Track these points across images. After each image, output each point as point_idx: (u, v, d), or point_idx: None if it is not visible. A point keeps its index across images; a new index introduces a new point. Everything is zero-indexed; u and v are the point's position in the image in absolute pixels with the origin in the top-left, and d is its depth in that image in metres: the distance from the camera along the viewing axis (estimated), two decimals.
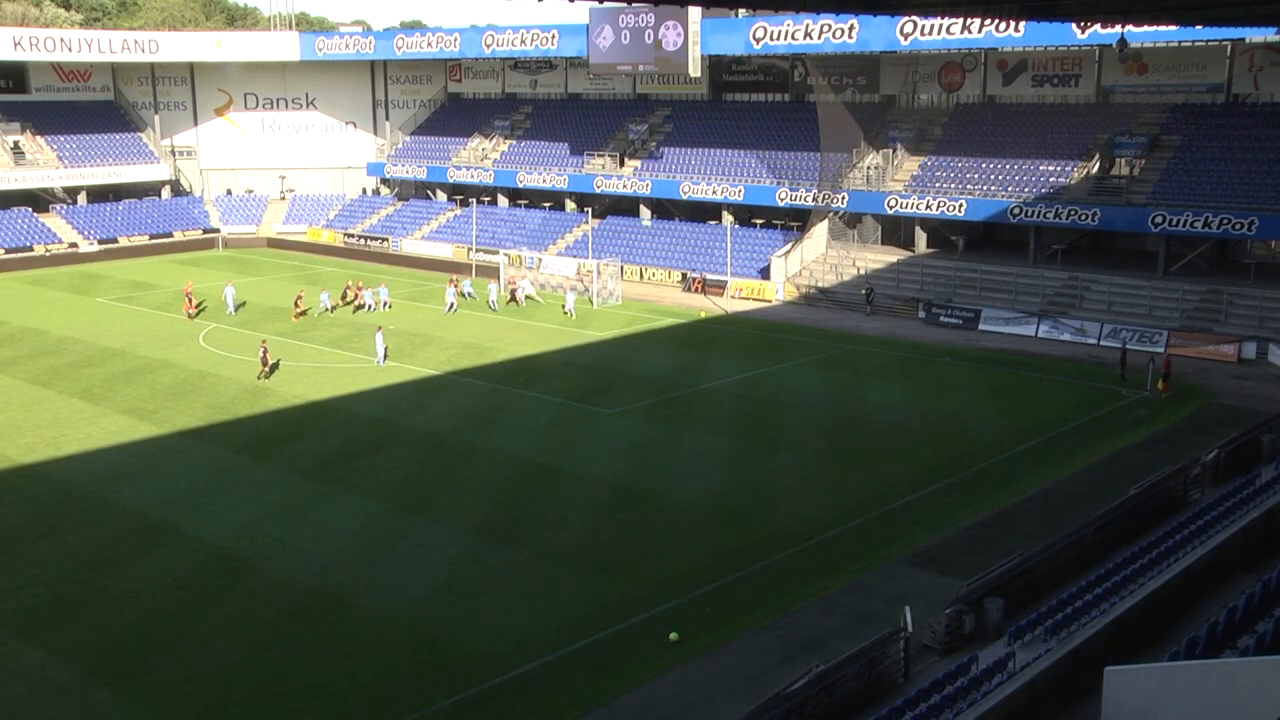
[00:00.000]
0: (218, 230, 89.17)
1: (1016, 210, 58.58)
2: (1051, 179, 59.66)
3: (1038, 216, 57.95)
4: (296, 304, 59.57)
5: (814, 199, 66.28)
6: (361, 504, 32.63)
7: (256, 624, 25.56)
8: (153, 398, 43.82)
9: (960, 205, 60.69)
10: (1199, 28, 49.56)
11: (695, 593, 26.85)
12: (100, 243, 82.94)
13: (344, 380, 46.40)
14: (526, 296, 62.18)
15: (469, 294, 64.22)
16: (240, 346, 52.54)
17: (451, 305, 60.56)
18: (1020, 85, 65.51)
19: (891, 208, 63.27)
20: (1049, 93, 64.44)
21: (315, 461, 36.25)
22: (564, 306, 60.14)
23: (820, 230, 66.44)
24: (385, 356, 48.00)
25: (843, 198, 65.10)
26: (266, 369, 46.93)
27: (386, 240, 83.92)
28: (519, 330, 56.31)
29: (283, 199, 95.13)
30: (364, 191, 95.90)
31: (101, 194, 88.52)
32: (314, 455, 36.88)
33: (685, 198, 73.22)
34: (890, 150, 66.86)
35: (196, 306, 55.60)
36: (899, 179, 65.05)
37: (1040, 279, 57.34)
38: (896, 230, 66.60)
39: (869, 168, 66.34)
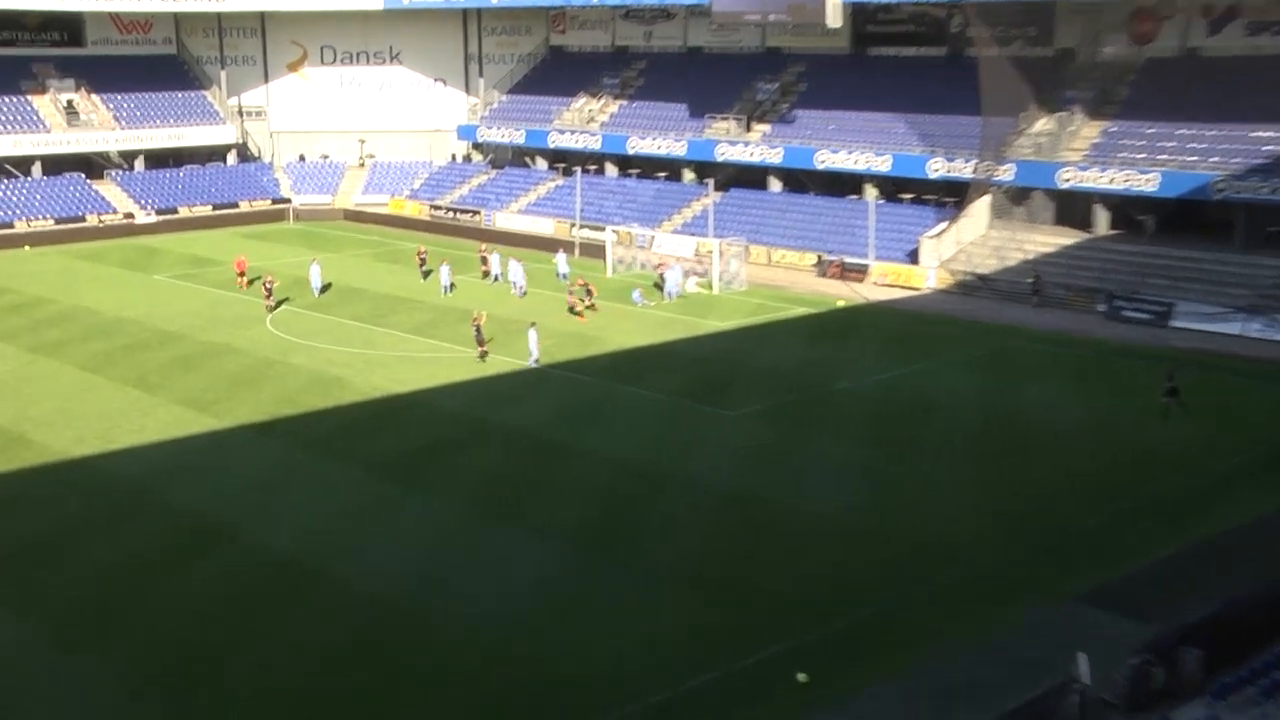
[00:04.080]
0: (288, 201, 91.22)
1: (1221, 185, 56.80)
2: (1266, 147, 57.73)
3: (1249, 193, 56.10)
4: (421, 260, 64.74)
5: (973, 171, 65.32)
6: (442, 508, 33.09)
7: (323, 644, 26.02)
8: (213, 387, 44.99)
9: (1151, 179, 59.14)
10: None
11: (823, 624, 26.67)
12: (158, 213, 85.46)
13: (427, 371, 47.04)
14: (663, 283, 61.57)
15: (497, 276, 64.78)
16: (313, 331, 53.58)
17: (450, 288, 61.73)
18: (1230, 35, 63.32)
19: (1066, 181, 62.09)
20: (1267, 43, 62.22)
21: (392, 460, 36.89)
22: (665, 290, 60.59)
23: (980, 207, 65.45)
24: (536, 357, 47.81)
25: (1007, 169, 64.06)
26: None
27: (478, 213, 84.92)
28: (626, 318, 56.57)
29: (362, 166, 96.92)
30: (453, 158, 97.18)
31: (161, 159, 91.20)
32: (391, 453, 37.53)
33: (821, 168, 72.73)
34: (1066, 114, 65.51)
35: (268, 290, 56.95)
36: (1076, 148, 63.75)
37: (1250, 268, 55.34)
38: (1072, 208, 65.19)
39: (1039, 134, 65.15)
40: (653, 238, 69.97)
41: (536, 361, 47.54)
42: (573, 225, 77.93)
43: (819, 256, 67.97)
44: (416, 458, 37.19)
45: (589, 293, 56.20)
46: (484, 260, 66.71)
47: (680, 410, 42.08)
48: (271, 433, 39.79)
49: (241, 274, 64.82)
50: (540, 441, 38.73)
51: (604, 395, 44.09)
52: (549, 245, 73.33)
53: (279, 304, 57.98)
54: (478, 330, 48.51)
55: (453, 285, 62.15)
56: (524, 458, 37.31)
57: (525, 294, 60.72)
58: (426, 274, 64.60)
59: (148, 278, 67.68)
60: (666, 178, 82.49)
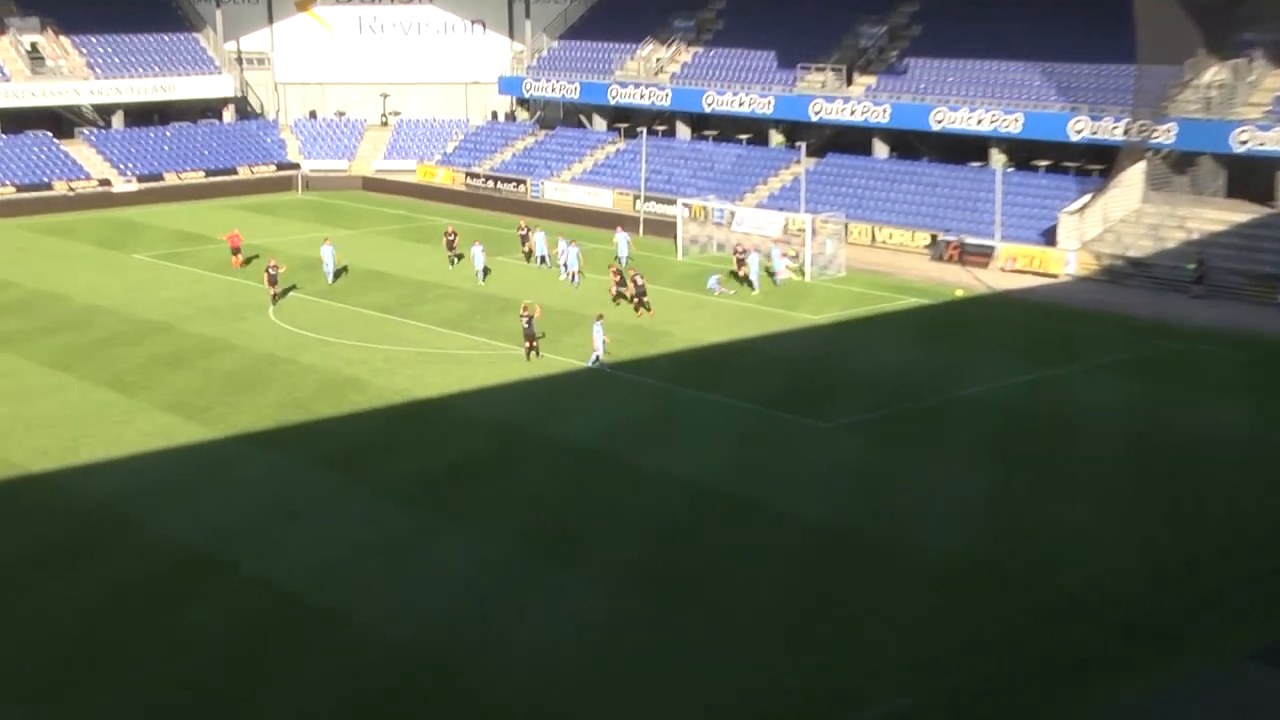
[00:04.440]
0: (297, 166, 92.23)
1: None
2: None
3: None
4: (449, 243, 65.32)
5: (1124, 132, 64.82)
6: (481, 541, 33.24)
7: (337, 702, 26.22)
8: (206, 390, 45.52)
9: None
10: None
11: (934, 685, 26.52)
12: (140, 180, 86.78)
13: (462, 372, 47.46)
14: (763, 269, 61.52)
15: (543, 258, 65.37)
16: (325, 323, 54.22)
17: (483, 272, 62.27)
18: None
19: (1243, 144, 61.46)
20: None
21: (420, 482, 37.17)
22: (746, 275, 60.68)
23: (1133, 176, 64.94)
24: (602, 358, 47.98)
25: (1168, 130, 63.60)
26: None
27: (524, 182, 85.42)
28: (700, 310, 56.73)
29: (384, 125, 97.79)
30: (494, 116, 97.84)
31: (143, 115, 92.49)
32: (419, 473, 37.81)
33: (938, 129, 72.49)
34: (1242, 61, 64.80)
35: (271, 277, 57.03)
36: (1255, 103, 63.03)
37: None
38: (1248, 177, 64.54)
39: (1209, 87, 64.46)
40: (732, 213, 70.06)
41: (599, 360, 47.80)
42: (636, 198, 78.18)
43: (934, 236, 67.76)
44: (448, 478, 37.46)
45: (638, 287, 55.58)
46: (524, 239, 67.36)
47: (764, 422, 42.16)
48: (275, 446, 40.21)
49: (236, 251, 65.65)
50: (596, 460, 38.94)
51: (672, 403, 44.28)
52: (607, 222, 73.53)
53: (285, 292, 58.60)
54: (529, 324, 48.79)
55: (487, 270, 62.69)
56: (576, 480, 37.52)
57: (579, 281, 61.18)
58: (456, 258, 65.13)
59: (126, 257, 68.70)
60: (749, 141, 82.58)
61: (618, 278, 56.86)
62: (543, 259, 65.28)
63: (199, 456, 39.40)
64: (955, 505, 35.47)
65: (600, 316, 49.31)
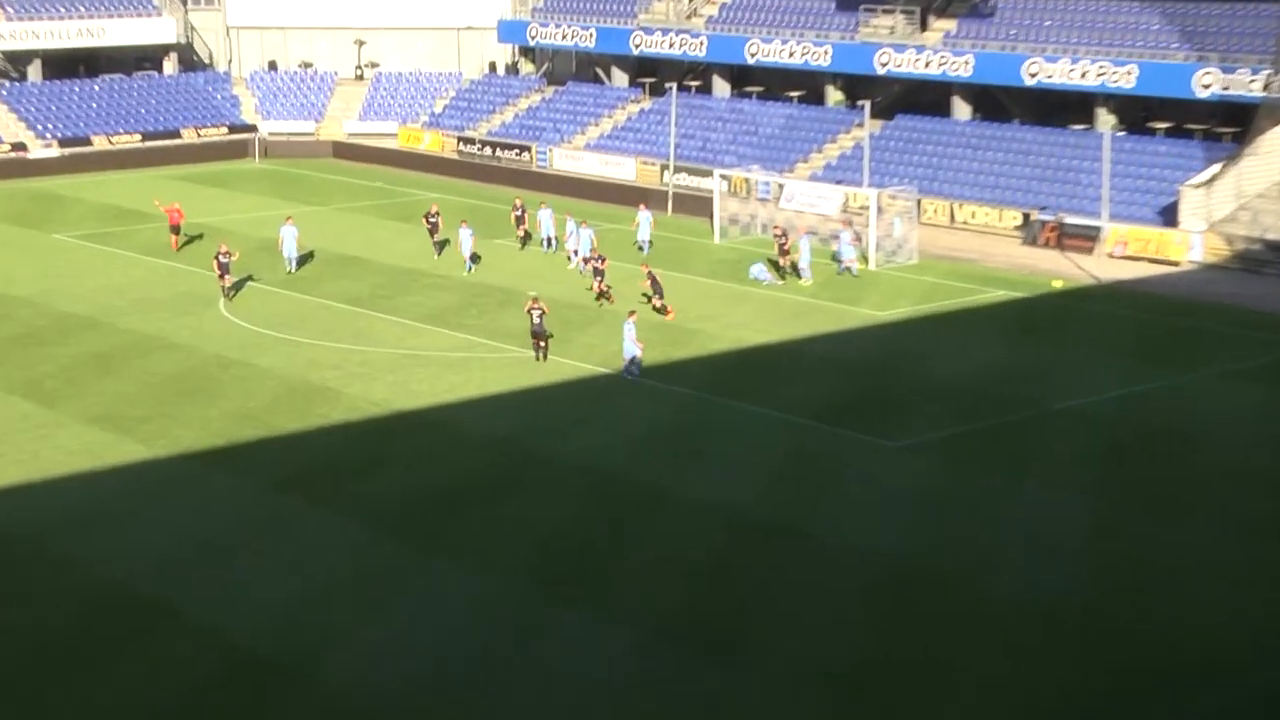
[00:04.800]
0: (253, 129, 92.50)
1: None
2: None
3: None
4: (432, 226, 64.89)
5: (1265, 87, 64.59)
6: (473, 582, 33.17)
7: None
8: (141, 398, 45.64)
9: None
10: None
11: None
12: (63, 144, 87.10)
13: (454, 377, 47.63)
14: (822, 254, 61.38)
15: (549, 240, 65.60)
16: (287, 318, 54.45)
17: (472, 259, 62.33)
18: None
19: None
20: None
21: (404, 509, 37.15)
22: (796, 267, 60.40)
23: (1273, 142, 64.73)
24: (637, 365, 47.71)
25: None
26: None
27: (528, 150, 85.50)
28: (741, 304, 56.85)
29: (360, 79, 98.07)
30: (492, 69, 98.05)
31: (66, 65, 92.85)
32: (400, 498, 37.82)
33: (1031, 84, 72.27)
34: None
35: (222, 266, 56.69)
36: None
37: None
38: None
39: None
40: (780, 187, 70.08)
41: (636, 369, 47.44)
42: (664, 168, 78.18)
43: (1026, 215, 67.61)
44: (436, 506, 37.38)
45: (655, 285, 55.09)
46: (519, 220, 67.15)
47: (817, 439, 42.18)
48: (225, 467, 40.26)
49: (175, 230, 65.81)
50: (615, 483, 38.91)
51: (706, 416, 44.32)
52: (628, 197, 73.55)
53: (240, 283, 58.67)
54: (539, 320, 48.85)
55: (476, 256, 62.69)
56: (592, 507, 37.47)
57: (598, 270, 60.69)
58: (441, 244, 64.92)
59: (45, 238, 69.14)
60: (801, 99, 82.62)
61: (650, 279, 55.32)
62: (549, 241, 65.31)
63: (133, 479, 39.47)
64: (1049, 541, 35.28)
65: (633, 314, 49.02)
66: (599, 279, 56.09)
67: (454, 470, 39.92)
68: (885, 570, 33.72)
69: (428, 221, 65.51)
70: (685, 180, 76.19)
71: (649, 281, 54.90)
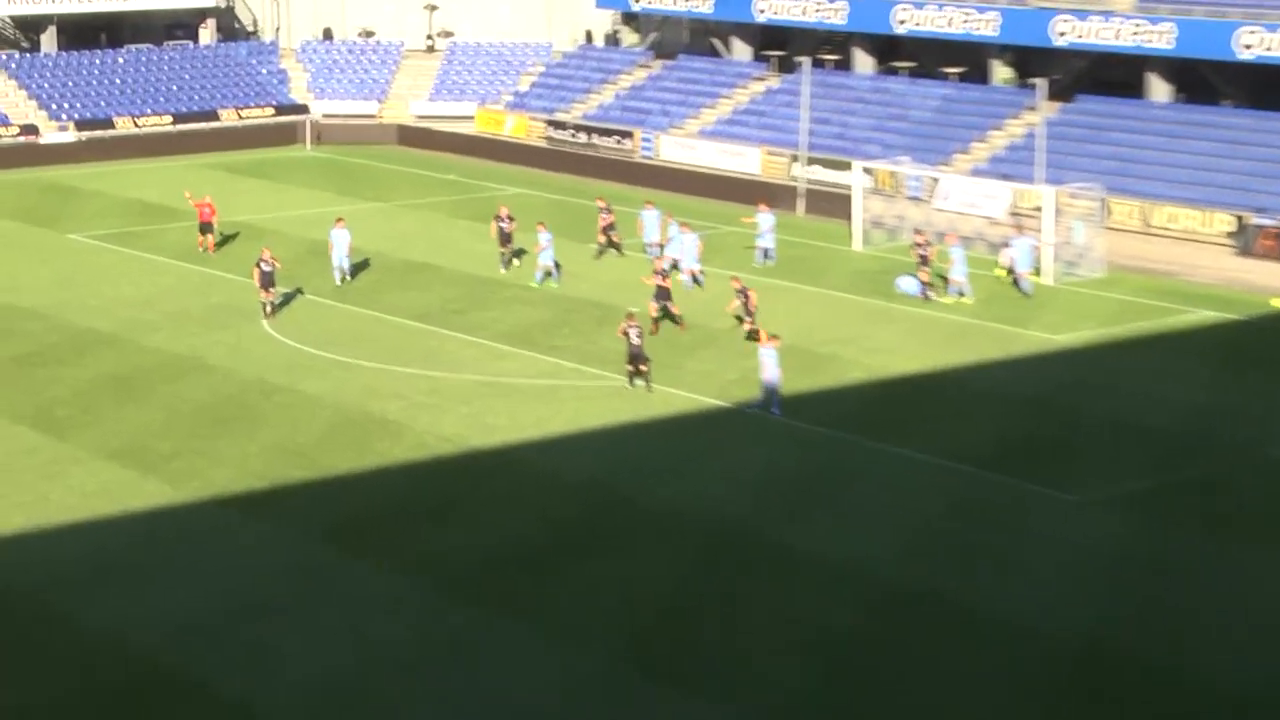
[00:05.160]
0: (305, 109, 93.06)
1: None
2: None
3: None
4: (502, 233, 63.70)
5: None
6: (559, 653, 33.22)
7: None
8: (169, 430, 45.93)
9: None
10: None
11: None
12: (80, 127, 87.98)
13: (539, 409, 47.72)
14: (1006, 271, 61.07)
15: (652, 247, 64.82)
16: (341, 336, 54.78)
17: (549, 271, 62.00)
18: None
19: None
20: None
21: (477, 566, 37.17)
22: (1012, 277, 60.50)
23: None
24: (777, 398, 47.50)
25: None
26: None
27: (630, 136, 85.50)
28: (886, 324, 56.74)
29: (431, 51, 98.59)
30: (587, 40, 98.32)
31: (85, 33, 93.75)
32: (475, 554, 37.80)
33: (1246, 58, 71.63)
34: None
35: (264, 275, 56.33)
36: None
37: None
38: None
39: None
40: (934, 183, 69.90)
41: (776, 405, 47.19)
42: (794, 160, 78.11)
43: (1239, 219, 67.03)
44: (516, 563, 37.39)
45: (747, 304, 54.60)
46: (607, 228, 66.42)
47: (979, 490, 41.91)
48: (266, 512, 40.43)
49: (206, 228, 66.33)
50: (731, 538, 38.75)
51: (844, 458, 44.17)
52: (751, 195, 73.39)
53: (285, 299, 58.70)
54: (637, 343, 48.82)
55: (557, 266, 62.42)
56: (702, 567, 37.34)
57: (699, 282, 61.02)
58: (510, 257, 64.26)
59: (58, 238, 69.89)
60: (961, 77, 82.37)
61: (742, 297, 54.60)
62: (653, 250, 64.84)
63: (157, 526, 39.70)
64: (1271, 620, 34.83)
65: (774, 338, 48.02)
66: (743, 307, 54.33)
67: (538, 520, 39.89)
68: (1064, 655, 33.32)
69: (497, 226, 64.74)
70: (819, 174, 76.04)
71: (740, 299, 54.23)
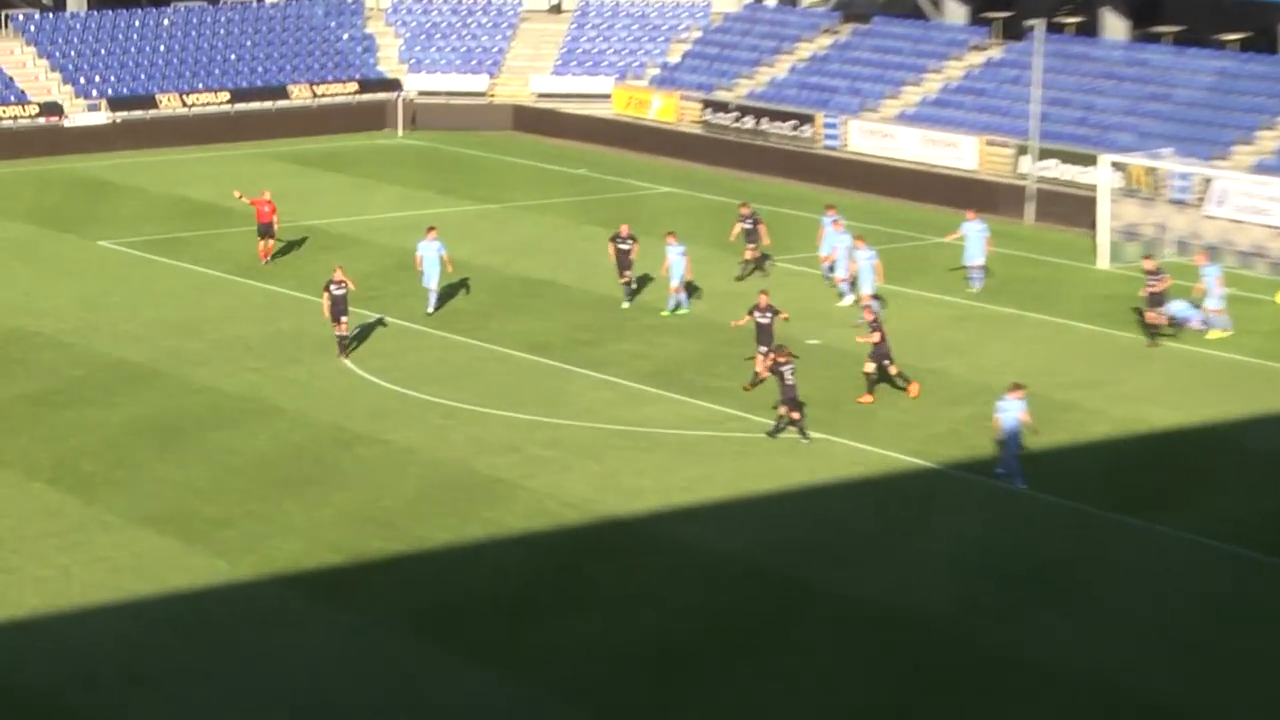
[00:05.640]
0: (395, 85, 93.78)
1: None
2: None
3: None
4: (621, 255, 63.07)
5: None
6: None
7: None
8: (221, 489, 46.31)
9: None
10: None
11: None
12: (114, 106, 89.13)
13: (690, 470, 47.85)
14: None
15: (829, 268, 64.72)
16: (436, 373, 55.35)
17: (679, 302, 62.21)
18: None
19: None
20: None
21: (605, 670, 37.15)
22: None
23: None
24: (1017, 465, 47.45)
25: None
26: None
27: (810, 121, 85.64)
28: (1144, 360, 56.79)
29: (556, 11, 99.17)
30: None
31: None
32: (604, 652, 37.80)
33: None
34: None
35: (335, 300, 56.38)
36: None
37: None
38: None
39: None
40: (1206, 183, 69.60)
41: (1017, 470, 46.89)
42: (1022, 152, 77.99)
43: None
44: (663, 667, 37.35)
45: (878, 339, 54.04)
46: (750, 233, 66.74)
47: (1268, 582, 41.58)
48: (341, 595, 40.61)
49: (265, 232, 67.14)
50: (937, 640, 38.59)
51: (1086, 537, 43.92)
52: (966, 196, 73.24)
53: (360, 336, 58.98)
54: (789, 383, 48.96)
55: (689, 290, 62.84)
56: (894, 677, 37.17)
57: (881, 311, 60.18)
58: (634, 289, 64.16)
59: (86, 247, 70.90)
60: (1244, 45, 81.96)
61: (875, 334, 53.75)
62: (830, 269, 65.01)
63: (205, 613, 39.82)
64: None
65: (1019, 387, 47.44)
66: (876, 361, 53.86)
67: (690, 612, 39.73)
68: None
69: (616, 249, 64.13)
70: (1055, 170, 75.89)
71: (873, 334, 53.42)
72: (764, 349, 53.61)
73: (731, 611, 39.90)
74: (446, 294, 63.02)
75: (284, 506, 45.29)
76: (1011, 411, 46.39)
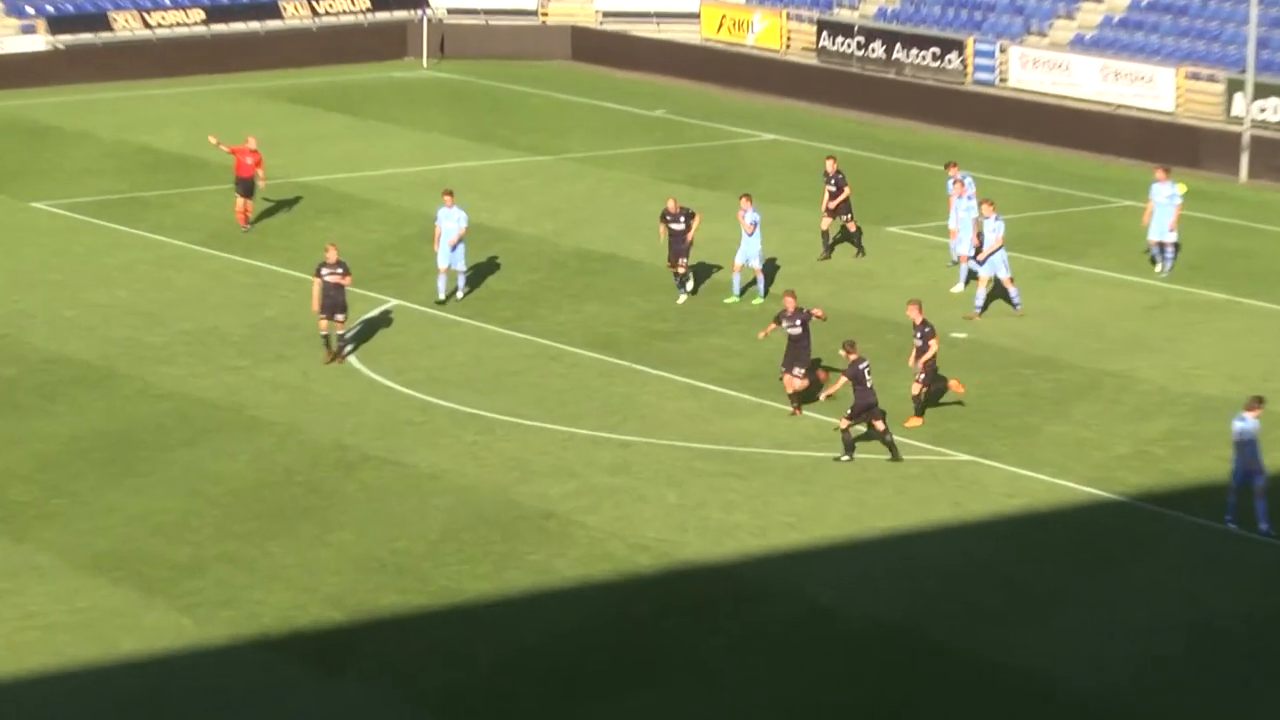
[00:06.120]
0: (419, 2, 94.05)
1: None
2: None
3: None
4: (677, 239, 62.80)
5: None
6: None
7: None
8: (190, 524, 46.20)
9: None
10: None
11: None
12: (56, 29, 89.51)
13: (791, 500, 47.85)
14: None
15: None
16: (469, 373, 55.62)
17: (752, 279, 62.35)
18: None
19: None
20: None
21: None
22: None
23: None
24: (1264, 503, 46.88)
25: None
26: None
27: (958, 48, 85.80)
28: None
29: None
30: None
31: None
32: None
33: None
34: None
35: (327, 280, 55.60)
36: None
37: None
38: None
39: None
40: None
41: (1264, 517, 46.20)
42: (1233, 89, 77.88)
43: None
44: None
45: (922, 346, 53.73)
46: (835, 194, 66.81)
47: None
48: (346, 666, 40.30)
49: (244, 187, 67.66)
50: None
51: None
52: (1161, 147, 73.22)
53: (351, 343, 58.75)
54: (869, 385, 49.33)
55: (765, 274, 63.21)
56: None
57: (1019, 301, 61.02)
58: (686, 281, 64.04)
59: (20, 210, 71.62)
60: None
61: (925, 352, 53.03)
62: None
63: (166, 683, 39.54)
64: None
65: (1259, 403, 46.81)
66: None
67: (799, 684, 39.34)
68: None
69: (667, 229, 63.84)
70: (1278, 114, 75.82)
71: (924, 347, 52.89)
72: (799, 370, 53.08)
73: (850, 682, 39.54)
74: (480, 273, 63.09)
75: (269, 548, 45.13)
76: (1248, 427, 45.59)
